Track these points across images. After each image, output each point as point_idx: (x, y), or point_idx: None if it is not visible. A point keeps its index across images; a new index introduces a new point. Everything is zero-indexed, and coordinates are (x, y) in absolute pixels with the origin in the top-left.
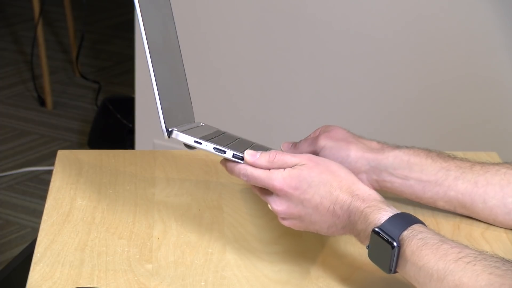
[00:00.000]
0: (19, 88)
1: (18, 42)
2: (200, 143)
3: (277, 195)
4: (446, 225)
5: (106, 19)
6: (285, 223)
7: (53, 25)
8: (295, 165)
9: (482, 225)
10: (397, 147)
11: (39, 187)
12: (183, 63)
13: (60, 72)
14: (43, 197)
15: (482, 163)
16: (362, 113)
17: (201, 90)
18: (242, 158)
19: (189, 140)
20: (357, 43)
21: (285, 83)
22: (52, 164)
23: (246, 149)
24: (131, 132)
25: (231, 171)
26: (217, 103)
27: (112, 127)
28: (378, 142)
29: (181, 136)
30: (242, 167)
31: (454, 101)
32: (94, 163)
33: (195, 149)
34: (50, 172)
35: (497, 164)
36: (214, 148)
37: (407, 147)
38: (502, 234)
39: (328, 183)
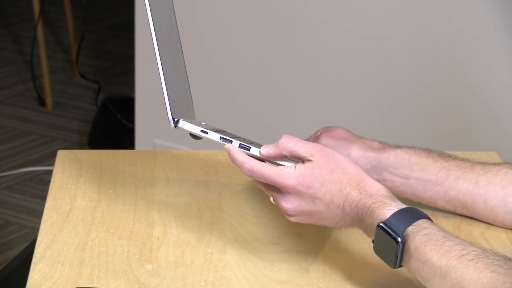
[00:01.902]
0: (19, 88)
1: (18, 42)
2: (207, 133)
3: (288, 192)
4: (446, 225)
5: (106, 19)
6: (293, 219)
7: (53, 25)
8: (305, 157)
9: (482, 225)
10: (398, 146)
11: (39, 187)
12: (184, 62)
13: (60, 72)
14: (43, 197)
15: (483, 163)
16: (362, 113)
17: (201, 90)
18: (249, 149)
19: (196, 129)
20: (358, 43)
21: (285, 82)
22: (52, 164)
23: (250, 143)
24: (131, 132)
25: (236, 162)
26: (217, 102)
27: (112, 127)
28: (379, 142)
29: (187, 126)
30: (246, 161)
31: (454, 101)
32: (94, 163)
33: (200, 139)
34: (50, 172)
35: (498, 164)
36: (220, 137)
37: (408, 147)
38: (502, 234)
39: (339, 181)
